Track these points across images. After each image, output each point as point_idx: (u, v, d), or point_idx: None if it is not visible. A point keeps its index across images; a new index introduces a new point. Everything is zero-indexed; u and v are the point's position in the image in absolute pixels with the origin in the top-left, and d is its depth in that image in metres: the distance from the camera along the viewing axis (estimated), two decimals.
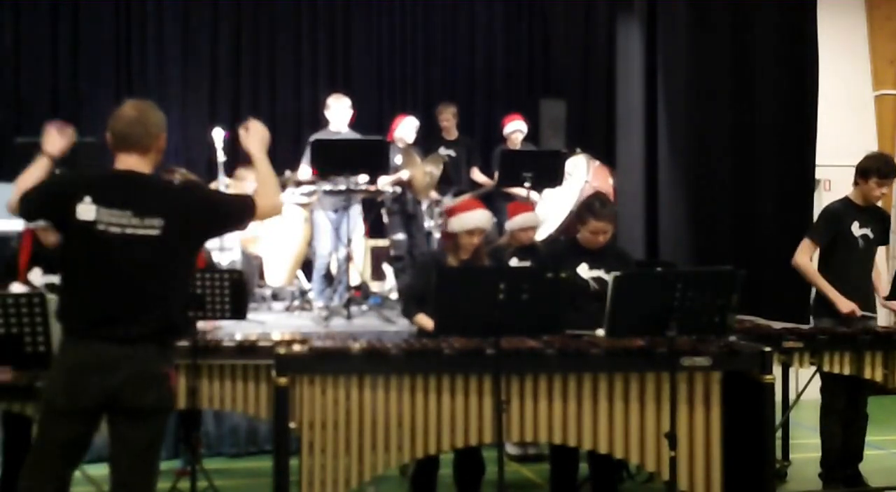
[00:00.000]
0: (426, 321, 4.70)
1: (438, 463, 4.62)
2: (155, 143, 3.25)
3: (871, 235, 5.32)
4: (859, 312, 5.18)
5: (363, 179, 7.17)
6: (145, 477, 3.12)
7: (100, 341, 3.02)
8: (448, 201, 7.52)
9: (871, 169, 5.27)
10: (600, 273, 4.79)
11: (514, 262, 5.22)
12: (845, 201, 5.43)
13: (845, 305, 5.19)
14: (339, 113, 7.55)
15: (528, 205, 6.89)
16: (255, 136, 3.49)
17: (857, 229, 5.30)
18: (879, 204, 5.54)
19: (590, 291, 4.76)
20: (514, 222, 5.93)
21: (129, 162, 3.19)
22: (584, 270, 4.81)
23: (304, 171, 7.38)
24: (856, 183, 5.35)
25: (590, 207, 4.87)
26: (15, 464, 4.29)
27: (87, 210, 3.05)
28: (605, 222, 4.82)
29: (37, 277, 4.78)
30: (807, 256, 5.39)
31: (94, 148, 6.89)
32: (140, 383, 3.04)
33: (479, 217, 4.84)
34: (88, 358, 3.01)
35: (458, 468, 4.79)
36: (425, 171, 7.58)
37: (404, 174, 7.72)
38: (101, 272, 3.07)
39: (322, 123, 7.76)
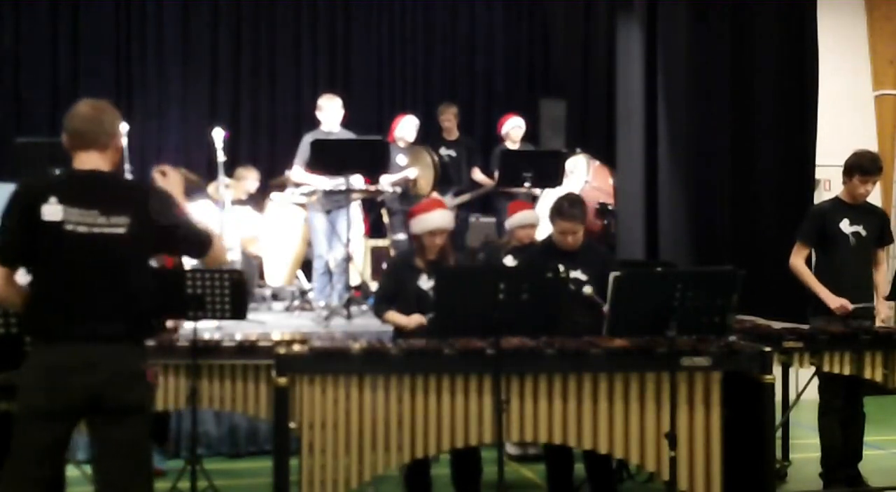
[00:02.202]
0: (397, 317, 4.78)
1: (429, 462, 4.62)
2: (112, 141, 3.22)
3: (863, 233, 5.32)
4: (850, 307, 5.19)
5: (359, 179, 7.17)
6: (138, 478, 3.09)
7: (77, 341, 3.00)
8: (449, 201, 7.53)
9: (854, 166, 5.30)
10: (577, 274, 4.79)
11: (508, 260, 5.21)
12: (834, 200, 5.47)
13: (834, 301, 5.20)
14: (331, 113, 7.55)
15: (528, 203, 6.89)
16: (172, 183, 3.39)
17: (846, 227, 5.31)
18: (878, 203, 5.54)
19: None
20: (513, 220, 5.94)
21: (89, 161, 3.15)
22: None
23: (297, 171, 7.38)
24: (844, 181, 5.38)
25: (558, 207, 4.86)
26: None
27: (53, 211, 3.02)
28: (572, 222, 4.81)
29: (21, 276, 4.77)
30: (800, 258, 5.41)
31: None
32: (121, 381, 3.02)
33: (438, 218, 4.87)
34: (67, 358, 2.98)
35: (455, 469, 4.79)
36: (434, 166, 7.65)
37: (411, 173, 7.72)
38: (71, 272, 3.04)
39: (316, 123, 7.76)
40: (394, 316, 4.80)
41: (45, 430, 2.98)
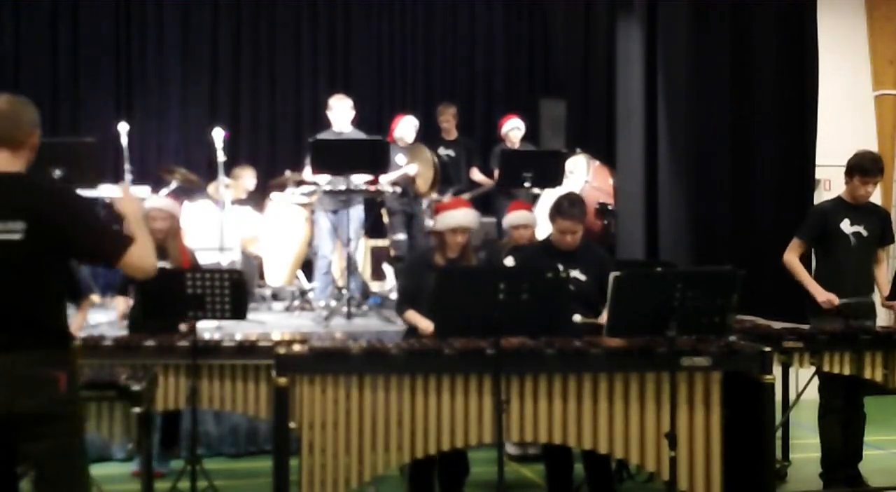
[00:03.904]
0: (417, 318, 4.74)
1: (435, 462, 4.63)
2: (28, 139, 3.05)
3: (864, 233, 5.32)
4: (837, 301, 5.18)
5: (362, 178, 7.17)
6: (70, 487, 2.98)
7: None
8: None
9: (855, 167, 5.30)
10: (575, 274, 4.79)
11: (509, 260, 5.22)
12: (836, 200, 5.47)
13: (822, 294, 5.21)
14: (341, 113, 7.55)
15: (527, 204, 6.89)
16: (129, 203, 3.30)
17: (847, 227, 5.31)
18: (879, 202, 5.54)
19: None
20: (508, 220, 5.94)
21: None
22: None
23: (309, 171, 7.38)
24: (845, 181, 5.38)
25: (558, 206, 4.86)
26: None
27: None
28: (571, 222, 4.81)
29: None
30: (794, 255, 5.40)
31: (94, 148, 6.92)
32: (21, 390, 2.87)
33: (463, 216, 4.86)
34: None
35: (441, 469, 4.78)
36: (434, 164, 7.66)
37: (411, 169, 7.72)
38: None
39: (324, 123, 7.76)
40: (414, 317, 4.76)
41: None
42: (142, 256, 3.05)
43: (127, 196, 3.36)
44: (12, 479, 3.05)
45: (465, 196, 8.33)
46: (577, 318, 4.55)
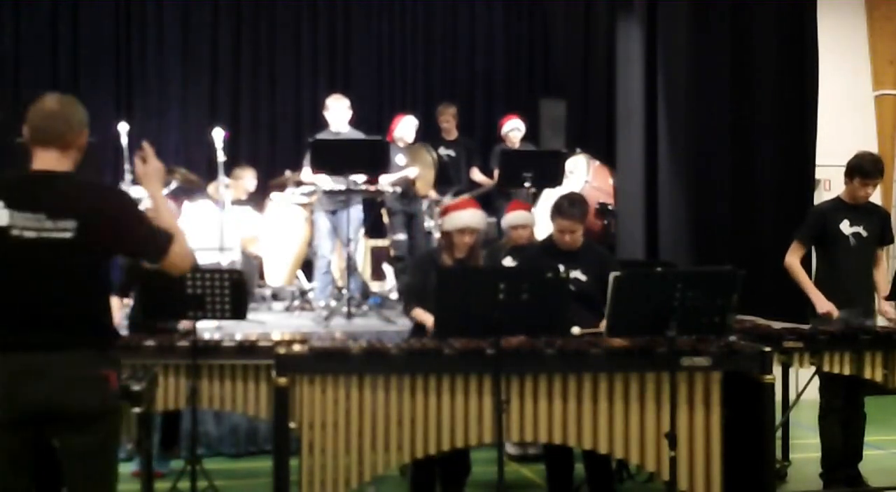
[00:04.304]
0: (425, 316, 4.73)
1: (436, 462, 4.63)
2: (77, 139, 3.08)
3: (863, 234, 5.32)
4: (836, 314, 5.19)
5: (362, 179, 7.17)
6: (101, 484, 3.02)
7: (28, 350, 2.91)
8: (448, 202, 7.51)
9: (855, 168, 5.30)
10: (577, 274, 4.79)
11: (507, 261, 5.21)
12: (836, 200, 5.47)
13: (822, 305, 5.22)
14: (338, 113, 7.55)
15: (526, 204, 6.89)
16: (151, 170, 3.26)
17: (846, 228, 5.31)
18: (879, 202, 5.54)
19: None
20: (506, 220, 5.94)
21: (46, 160, 3.03)
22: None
23: (308, 172, 7.38)
24: (845, 182, 5.38)
25: (558, 206, 4.87)
26: None
27: (0, 216, 2.91)
28: (571, 221, 4.82)
29: None
30: (795, 257, 5.41)
31: (93, 147, 6.91)
32: (74, 388, 2.93)
33: (471, 216, 4.86)
34: (19, 368, 2.90)
35: (442, 468, 4.77)
36: (434, 165, 7.66)
37: (411, 172, 7.72)
38: (19, 280, 2.94)
39: (322, 123, 7.76)
40: (422, 315, 4.76)
41: (7, 440, 2.92)
42: (182, 254, 3.10)
43: (151, 162, 3.28)
44: (32, 470, 3.06)
45: (465, 196, 8.34)
46: (575, 330, 4.52)
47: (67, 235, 2.93)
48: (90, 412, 2.96)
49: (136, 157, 3.29)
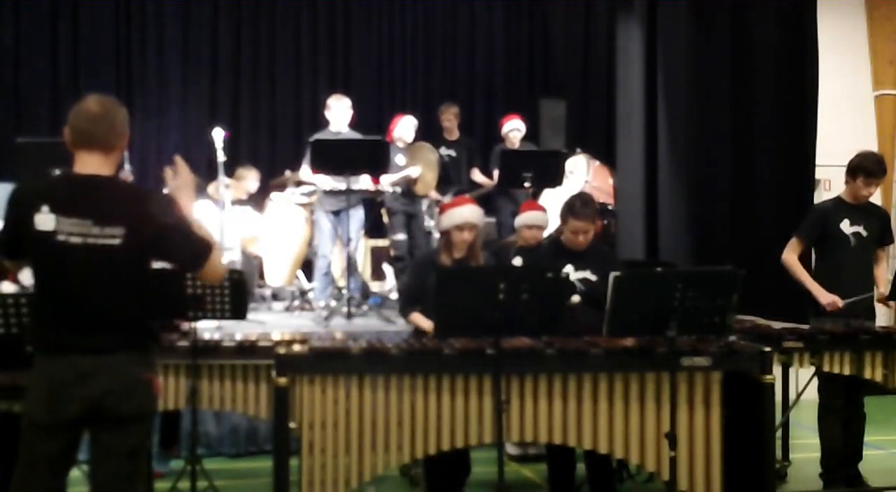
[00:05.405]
0: (421, 320, 4.73)
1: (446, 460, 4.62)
2: (120, 142, 3.07)
3: (864, 233, 5.32)
4: (840, 303, 5.19)
5: (363, 179, 7.17)
6: (130, 485, 3.04)
7: (74, 354, 2.92)
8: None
9: (858, 168, 5.29)
10: (586, 274, 4.79)
11: (517, 261, 5.21)
12: (836, 200, 5.47)
13: (825, 297, 5.21)
14: (339, 113, 7.55)
15: (539, 204, 6.88)
16: (183, 181, 3.20)
17: (847, 227, 5.31)
18: (879, 202, 5.54)
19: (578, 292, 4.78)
20: (521, 219, 5.94)
21: (90, 163, 3.01)
22: (569, 272, 4.81)
23: (306, 171, 7.38)
24: (847, 181, 5.38)
25: (571, 206, 4.87)
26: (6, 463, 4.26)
27: (45, 220, 2.90)
28: (585, 222, 4.83)
29: (27, 277, 4.76)
30: (793, 254, 5.41)
31: None
32: (121, 391, 2.95)
33: (468, 212, 4.83)
34: (65, 371, 2.92)
35: (442, 468, 4.76)
36: (436, 163, 7.66)
37: (413, 171, 7.72)
38: (66, 285, 2.95)
39: (322, 123, 7.76)
40: (418, 319, 4.76)
41: (49, 442, 2.95)
42: (217, 264, 3.11)
43: (183, 173, 3.22)
44: (68, 472, 3.10)
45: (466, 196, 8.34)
46: (575, 298, 4.53)
47: (115, 241, 2.94)
48: (134, 415, 2.99)
49: (167, 169, 3.26)
